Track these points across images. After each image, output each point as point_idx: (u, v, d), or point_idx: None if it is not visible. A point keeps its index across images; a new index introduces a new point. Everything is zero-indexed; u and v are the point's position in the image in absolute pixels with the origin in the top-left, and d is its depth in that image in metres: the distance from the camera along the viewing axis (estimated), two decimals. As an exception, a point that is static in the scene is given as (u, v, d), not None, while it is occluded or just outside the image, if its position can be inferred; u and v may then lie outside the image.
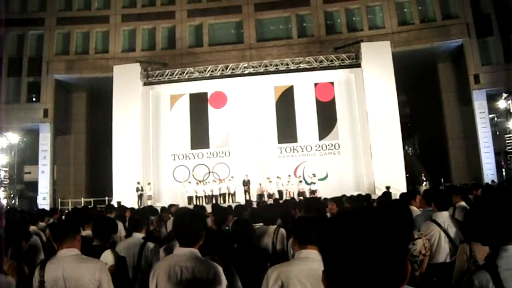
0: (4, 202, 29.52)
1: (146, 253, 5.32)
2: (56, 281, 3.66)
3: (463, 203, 7.54)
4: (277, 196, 24.68)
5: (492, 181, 25.18)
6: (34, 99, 32.66)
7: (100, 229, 4.95)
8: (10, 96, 32.31)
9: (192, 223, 3.55)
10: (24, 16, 32.93)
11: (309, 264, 3.27)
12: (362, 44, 28.36)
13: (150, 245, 5.46)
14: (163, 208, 11.91)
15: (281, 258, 5.54)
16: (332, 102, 28.78)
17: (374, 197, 14.87)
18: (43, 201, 30.19)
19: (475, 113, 29.08)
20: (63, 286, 3.65)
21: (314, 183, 26.30)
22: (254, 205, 15.69)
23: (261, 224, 6.65)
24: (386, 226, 1.26)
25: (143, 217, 6.43)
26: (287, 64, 28.75)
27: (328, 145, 28.44)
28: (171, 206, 12.39)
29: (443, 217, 5.29)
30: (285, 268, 3.39)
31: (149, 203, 24.72)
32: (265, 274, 3.43)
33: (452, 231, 5.14)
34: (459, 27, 30.01)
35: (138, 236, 5.75)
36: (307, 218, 3.72)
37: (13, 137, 30.94)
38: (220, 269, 3.47)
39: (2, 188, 30.49)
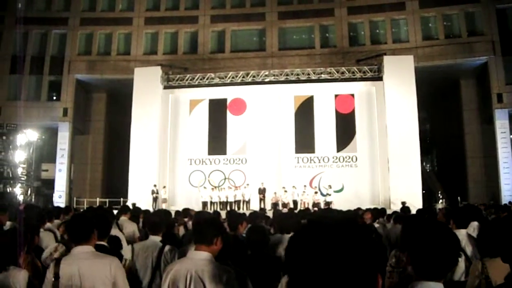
0: (21, 198, 29.74)
1: (166, 256, 5.26)
2: (71, 277, 3.67)
3: (476, 223, 7.36)
4: (291, 206, 24.56)
5: (510, 202, 24.80)
6: (54, 97, 32.98)
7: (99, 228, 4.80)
8: (31, 94, 32.69)
9: (209, 226, 3.62)
10: (48, 15, 33.34)
11: None
12: (385, 57, 28.10)
13: (168, 247, 5.41)
14: (177, 212, 11.89)
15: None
16: (352, 114, 28.57)
17: (389, 211, 14.69)
18: (59, 199, 30.38)
19: (496, 132, 28.71)
20: (78, 282, 3.66)
21: (330, 195, 26.16)
22: (268, 213, 15.56)
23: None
24: (354, 238, 1.22)
25: (161, 220, 6.35)
26: (308, 74, 28.63)
27: (346, 157, 28.23)
28: (186, 210, 12.35)
29: (461, 235, 5.17)
30: None
31: (163, 206, 24.74)
32: (280, 282, 3.50)
33: (469, 249, 5.03)
34: (484, 44, 29.65)
35: (156, 239, 5.68)
36: None
37: (32, 135, 31.23)
38: (234, 274, 3.48)
39: (19, 185, 30.73)
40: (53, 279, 3.70)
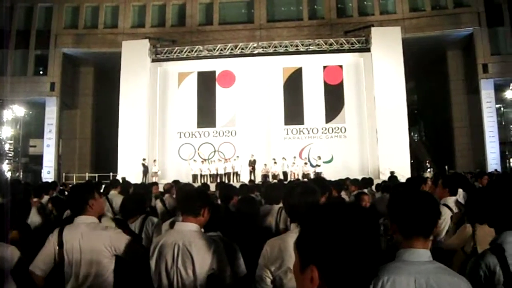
0: (9, 175, 29.51)
1: (147, 227, 5.32)
2: (73, 245, 3.67)
3: (461, 190, 7.60)
4: (281, 177, 24.74)
5: (495, 170, 25.21)
6: (41, 72, 32.38)
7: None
8: (17, 69, 32.12)
9: (196, 197, 3.58)
10: (33, -12, 32.64)
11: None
12: (373, 29, 28.21)
13: (153, 219, 5.46)
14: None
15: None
16: (340, 85, 28.71)
17: (377, 181, 14.80)
18: (48, 175, 30.12)
19: (482, 102, 29.10)
20: (78, 251, 3.66)
21: (319, 166, 26.35)
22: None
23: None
24: (370, 218, 1.41)
25: (146, 192, 6.46)
26: (297, 46, 28.62)
27: (335, 128, 28.44)
28: (175, 182, 12.38)
29: (453, 202, 5.42)
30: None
31: (154, 179, 24.72)
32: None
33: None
34: (470, 15, 29.87)
35: None
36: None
37: (18, 110, 30.80)
38: (222, 245, 3.45)
39: (7, 161, 30.45)
40: (57, 247, 3.69)
